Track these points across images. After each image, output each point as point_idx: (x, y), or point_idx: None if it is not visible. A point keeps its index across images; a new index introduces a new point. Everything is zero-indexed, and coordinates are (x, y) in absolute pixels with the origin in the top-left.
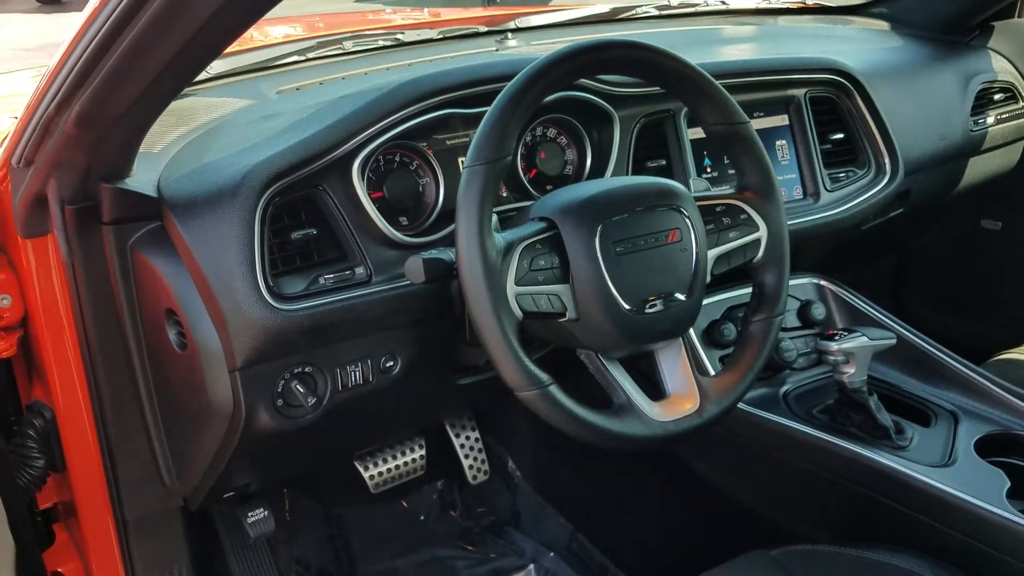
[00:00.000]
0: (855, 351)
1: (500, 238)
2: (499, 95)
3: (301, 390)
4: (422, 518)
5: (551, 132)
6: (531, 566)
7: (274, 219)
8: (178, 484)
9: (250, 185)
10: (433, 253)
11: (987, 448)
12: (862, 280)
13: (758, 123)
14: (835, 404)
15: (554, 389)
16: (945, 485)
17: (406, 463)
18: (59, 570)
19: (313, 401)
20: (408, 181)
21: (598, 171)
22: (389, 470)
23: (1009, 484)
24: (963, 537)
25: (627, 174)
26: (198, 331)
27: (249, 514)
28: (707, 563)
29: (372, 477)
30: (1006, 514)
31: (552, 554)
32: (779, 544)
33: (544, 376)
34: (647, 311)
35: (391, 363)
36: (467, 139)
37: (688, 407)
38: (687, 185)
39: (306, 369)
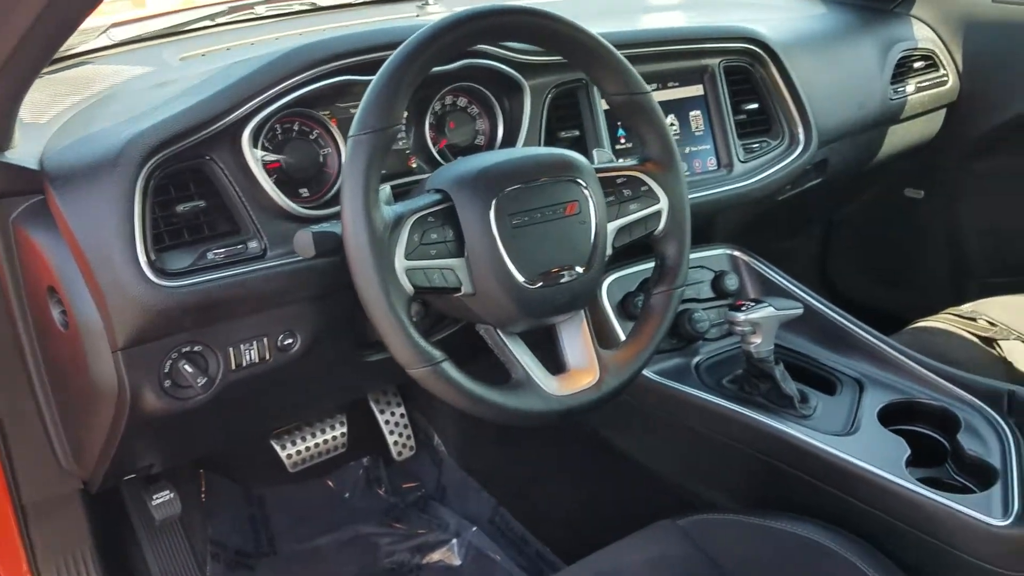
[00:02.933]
0: (761, 321)
1: (389, 211)
2: (385, 62)
3: (190, 370)
4: (346, 495)
5: (461, 101)
6: (454, 540)
7: (159, 191)
8: (76, 467)
9: (130, 156)
10: (324, 226)
11: (890, 417)
12: (791, 250)
13: (672, 93)
14: (743, 374)
15: (447, 366)
16: (846, 454)
17: (326, 441)
18: None
19: (203, 381)
20: (308, 151)
21: (509, 142)
22: (308, 448)
23: (910, 452)
24: (863, 505)
25: (539, 144)
26: (79, 309)
27: (154, 496)
28: (623, 533)
29: (290, 456)
30: (904, 483)
31: (475, 528)
32: (691, 513)
33: (436, 352)
34: (544, 285)
35: (290, 340)
36: None
37: (587, 380)
38: (591, 156)
39: (195, 348)
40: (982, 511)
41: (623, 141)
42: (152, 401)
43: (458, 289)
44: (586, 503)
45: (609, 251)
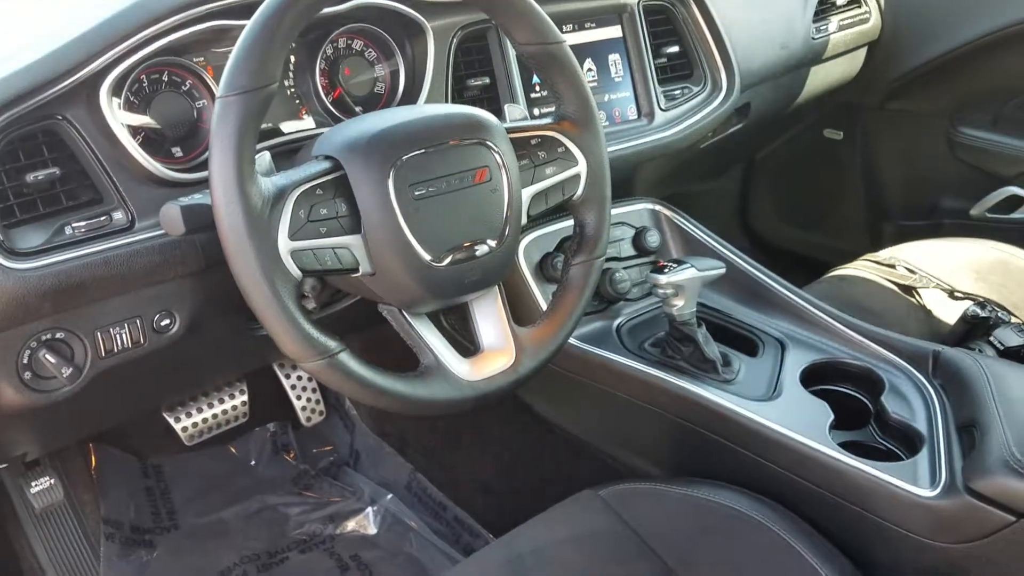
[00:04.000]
0: (684, 283)
1: (269, 183)
2: (259, 8)
3: (52, 360)
4: (252, 463)
5: (357, 44)
6: (369, 508)
7: (6, 158)
8: None
9: None
10: (195, 198)
11: (813, 377)
12: (710, 193)
13: (589, 35)
14: (665, 336)
15: (344, 357)
16: (768, 420)
17: (224, 411)
18: None
19: (69, 372)
20: (180, 104)
21: (412, 90)
22: (205, 420)
23: (833, 416)
24: (787, 473)
25: (446, 94)
26: None
27: (33, 483)
28: (546, 500)
29: (185, 429)
30: (827, 449)
31: (390, 495)
32: (615, 482)
33: (332, 343)
34: (453, 262)
35: (167, 321)
36: None
37: (503, 362)
38: (503, 111)
39: (57, 335)
40: (908, 480)
41: (538, 89)
42: (10, 396)
43: (355, 270)
44: (506, 469)
45: (524, 220)
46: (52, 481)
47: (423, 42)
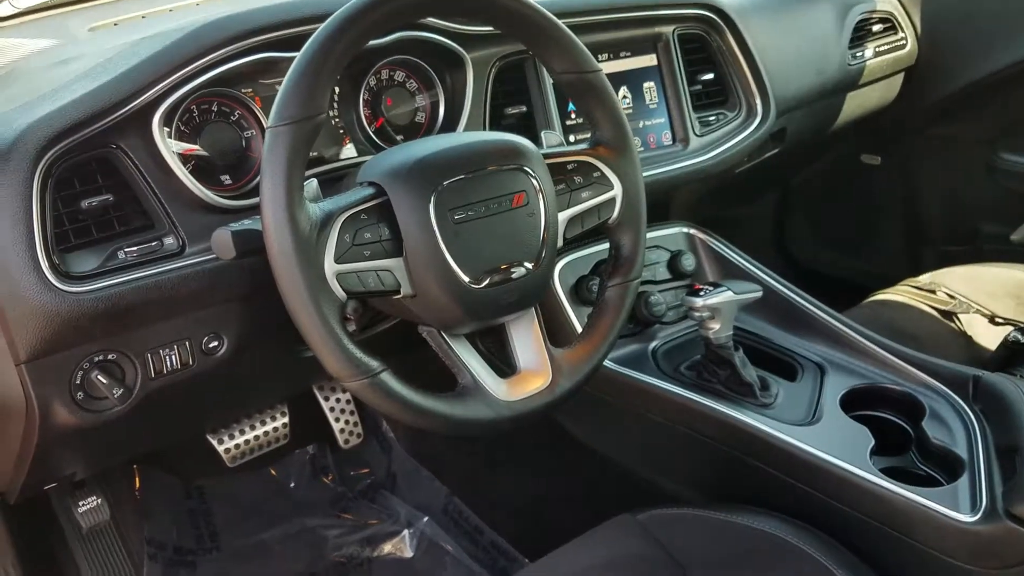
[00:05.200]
0: (720, 306)
1: (316, 208)
2: (307, 43)
3: (104, 381)
4: (292, 485)
5: (399, 76)
6: (406, 531)
7: (62, 185)
8: None
9: (24, 148)
10: (245, 224)
11: (853, 402)
12: (745, 215)
13: (624, 64)
14: (702, 360)
15: (386, 376)
16: (808, 445)
17: (267, 432)
18: None
19: (120, 392)
20: (229, 134)
21: (452, 119)
22: (248, 442)
23: (873, 442)
24: (826, 498)
25: (484, 122)
26: None
27: (80, 503)
28: (581, 524)
29: (228, 451)
30: (869, 476)
31: (427, 518)
32: (651, 506)
33: (374, 363)
34: (491, 284)
35: (215, 343)
36: None
37: (539, 383)
38: (540, 137)
39: (109, 356)
40: (949, 505)
41: (574, 116)
42: (64, 416)
43: (397, 291)
44: (543, 493)
45: (560, 243)
46: (99, 501)
47: (463, 73)
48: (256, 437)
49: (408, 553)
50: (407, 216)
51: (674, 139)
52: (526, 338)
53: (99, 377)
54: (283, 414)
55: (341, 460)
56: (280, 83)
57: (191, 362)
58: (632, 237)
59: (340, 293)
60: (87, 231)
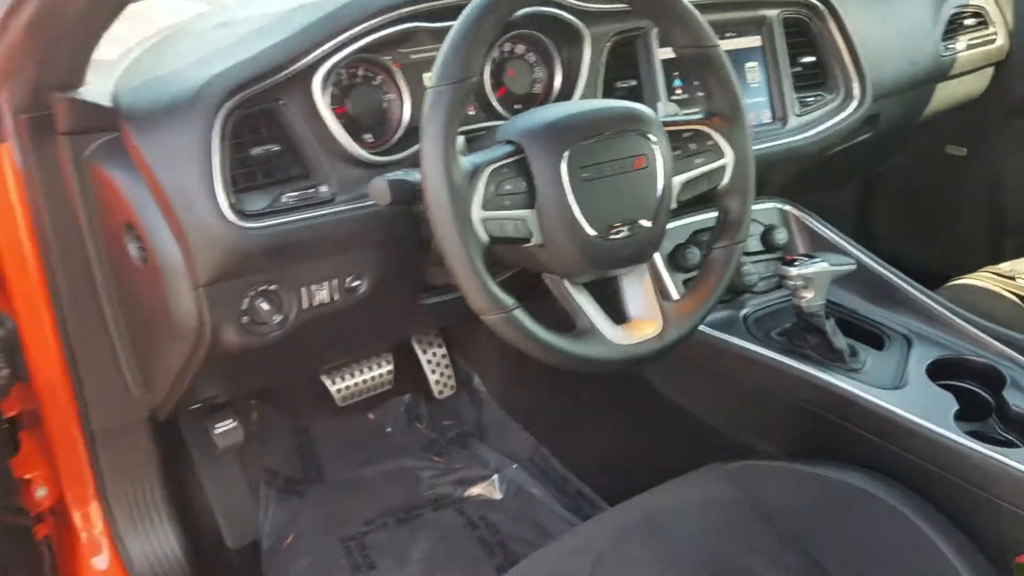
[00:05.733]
0: (814, 276)
1: (466, 161)
2: (465, 11)
3: (266, 308)
4: (388, 430)
5: (519, 49)
6: (495, 476)
7: (234, 134)
8: (144, 395)
9: (208, 98)
10: (399, 174)
11: (938, 372)
12: (828, 203)
13: (730, 44)
14: (792, 327)
15: (519, 313)
16: (895, 406)
17: (373, 378)
18: (27, 477)
19: (279, 319)
20: (372, 97)
21: (567, 91)
22: (356, 384)
23: (957, 407)
24: (910, 456)
25: (597, 94)
26: (158, 247)
27: (217, 425)
28: (666, 476)
29: (340, 391)
30: (952, 435)
31: (515, 465)
32: (741, 458)
33: (509, 300)
34: (612, 237)
35: (357, 283)
36: (435, 54)
37: (650, 331)
38: (655, 108)
39: (271, 287)
40: None
41: (679, 92)
42: (231, 337)
43: (528, 240)
44: (628, 447)
45: (673, 205)
46: (234, 425)
47: (580, 47)
48: (364, 381)
49: (497, 495)
50: (541, 171)
51: (773, 117)
52: (638, 289)
53: (262, 304)
54: (388, 362)
55: (434, 409)
56: (417, 52)
57: (336, 298)
58: (740, 203)
59: (484, 237)
60: (254, 176)
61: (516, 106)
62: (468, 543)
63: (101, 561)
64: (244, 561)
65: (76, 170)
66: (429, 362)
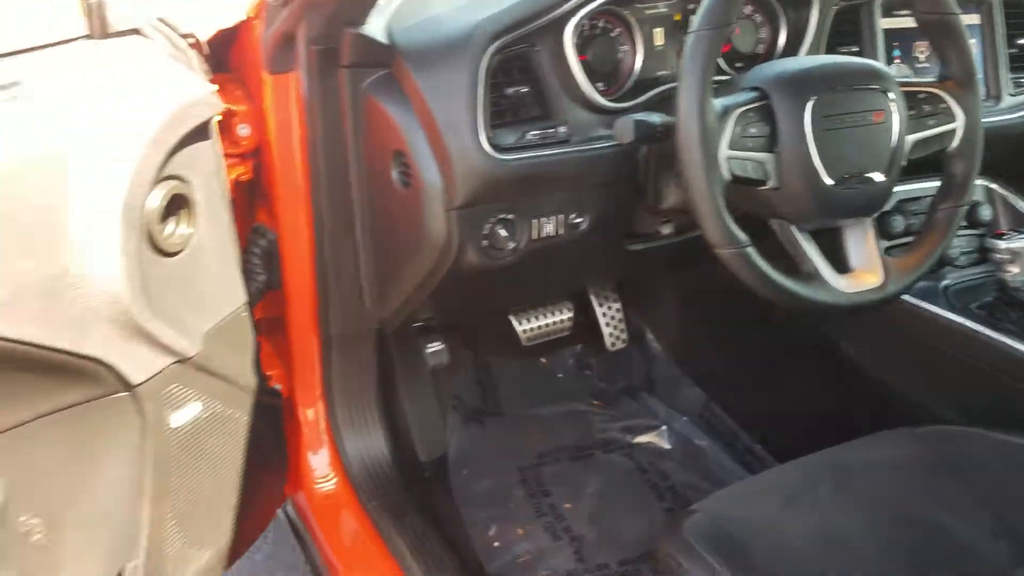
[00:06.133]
0: (1022, 251)
1: (718, 103)
2: None
3: (504, 234)
4: (560, 375)
5: (747, 8)
6: (663, 427)
7: (495, 74)
8: (376, 309)
9: (479, 39)
10: (642, 116)
11: None
12: None
13: None
14: (994, 301)
15: (751, 251)
16: None
17: (555, 322)
18: (268, 373)
19: (513, 246)
20: (609, 48)
21: (790, 52)
22: (540, 326)
23: None
24: None
25: None
26: (423, 172)
27: (429, 345)
28: (843, 439)
29: (525, 331)
30: None
31: (685, 418)
32: (931, 423)
33: (743, 236)
34: (845, 187)
35: (579, 220)
36: (665, 11)
37: (872, 281)
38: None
39: (509, 216)
40: None
41: (897, 61)
42: (472, 257)
43: (764, 183)
44: (805, 407)
45: (903, 163)
46: (443, 346)
47: (807, 10)
48: (547, 324)
49: (666, 445)
50: (785, 117)
51: (987, 94)
52: (861, 241)
53: (501, 231)
54: (569, 309)
55: (605, 360)
56: (650, 8)
57: (560, 232)
58: (966, 166)
59: (727, 174)
60: (503, 114)
61: (737, 64)
62: (638, 485)
63: (321, 454)
64: (434, 473)
65: (352, 101)
66: (604, 315)
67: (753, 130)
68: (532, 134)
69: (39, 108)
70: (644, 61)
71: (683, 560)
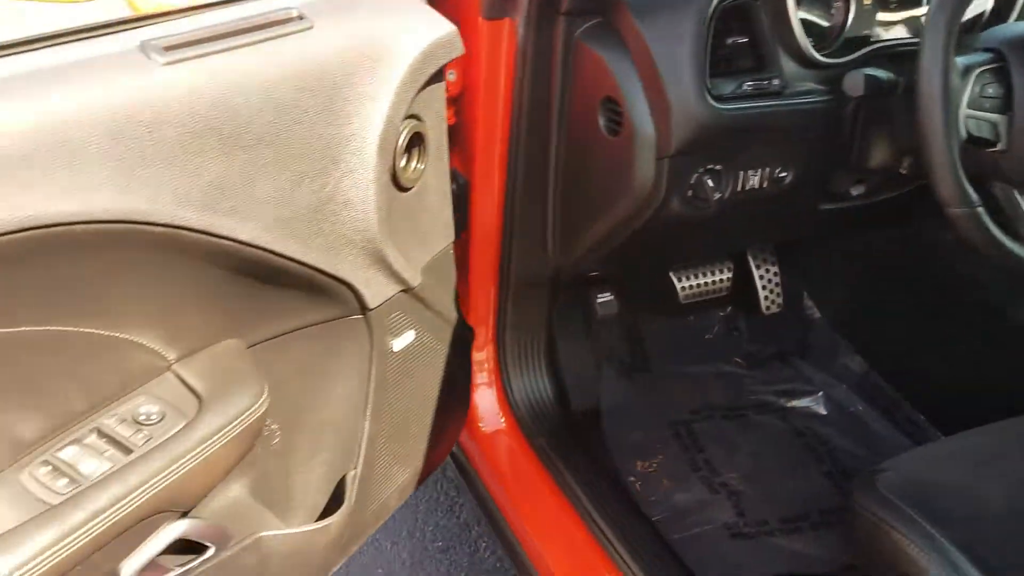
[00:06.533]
0: None
1: (960, 61)
2: None
3: (711, 184)
4: (708, 336)
5: None
6: (820, 393)
7: (716, 23)
8: (557, 258)
9: None
10: (870, 71)
11: None
12: None
13: None
14: None
15: (982, 212)
16: None
17: (714, 282)
18: None
19: (717, 197)
20: (824, 5)
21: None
22: (699, 284)
23: None
24: None
25: None
26: (635, 119)
27: (600, 296)
28: (1016, 413)
29: (684, 288)
30: None
31: (844, 386)
32: None
33: (976, 197)
34: None
35: (784, 175)
36: None
37: None
38: None
39: (716, 167)
40: None
41: None
42: (676, 205)
43: (993, 144)
44: (974, 378)
45: None
46: (611, 298)
47: None
48: (706, 283)
49: (822, 411)
50: (1022, 79)
51: None
52: None
53: (708, 181)
54: (729, 269)
55: (757, 323)
56: None
57: (764, 185)
58: None
59: (964, 133)
60: (720, 63)
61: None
62: (795, 446)
63: (489, 394)
64: (588, 421)
65: (564, 48)
66: (761, 277)
67: (991, 91)
68: (748, 84)
69: (333, 39)
70: (854, 19)
71: (884, 514)
